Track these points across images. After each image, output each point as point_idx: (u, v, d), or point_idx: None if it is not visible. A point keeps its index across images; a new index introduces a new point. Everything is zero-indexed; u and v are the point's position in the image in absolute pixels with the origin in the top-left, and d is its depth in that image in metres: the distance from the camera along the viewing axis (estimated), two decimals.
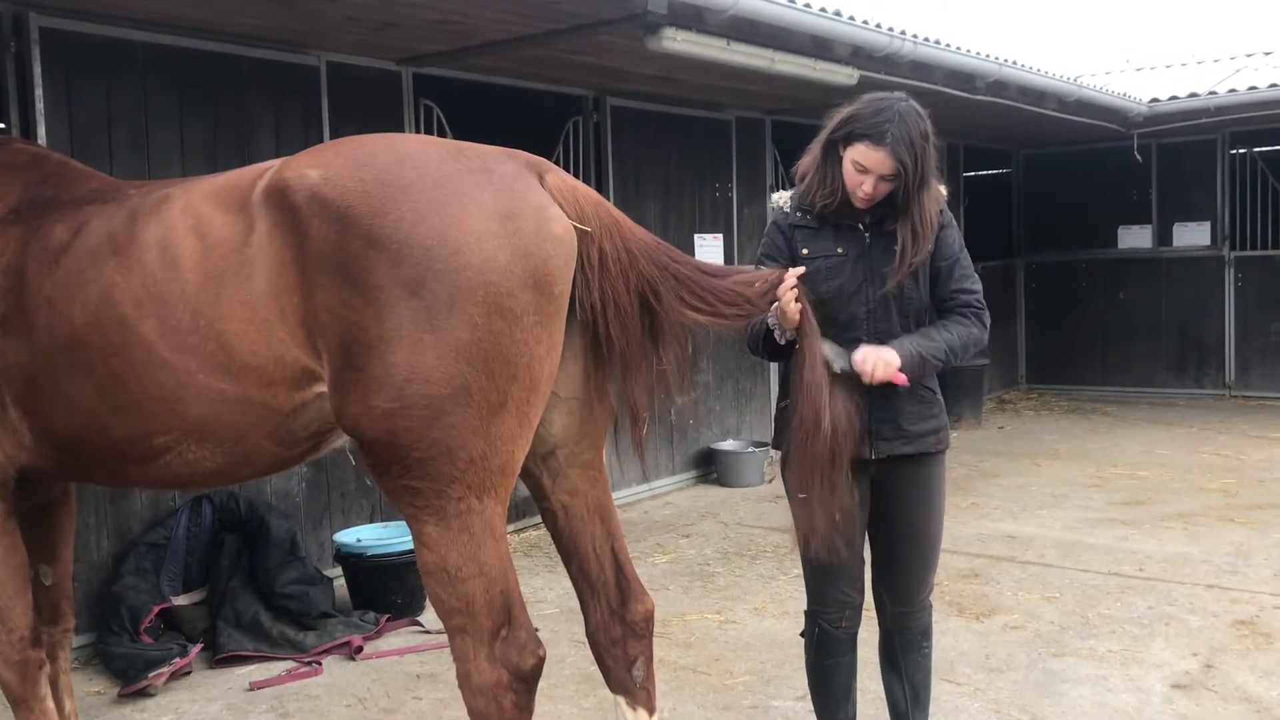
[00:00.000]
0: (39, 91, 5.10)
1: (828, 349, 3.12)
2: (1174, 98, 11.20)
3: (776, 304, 3.07)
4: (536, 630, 2.90)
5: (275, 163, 2.98)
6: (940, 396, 3.48)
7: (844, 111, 3.26)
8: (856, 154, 3.19)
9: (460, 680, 2.79)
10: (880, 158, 3.15)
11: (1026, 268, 13.76)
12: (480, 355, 2.65)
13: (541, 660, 2.82)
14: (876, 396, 3.27)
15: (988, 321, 3.39)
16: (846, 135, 3.21)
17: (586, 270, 2.84)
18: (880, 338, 3.28)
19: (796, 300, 3.05)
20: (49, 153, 3.62)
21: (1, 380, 3.17)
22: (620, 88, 8.02)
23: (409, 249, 2.64)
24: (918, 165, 3.16)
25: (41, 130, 5.08)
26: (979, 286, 3.40)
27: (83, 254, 3.06)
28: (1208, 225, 12.47)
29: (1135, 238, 12.99)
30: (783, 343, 3.20)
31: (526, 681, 2.77)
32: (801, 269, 3.13)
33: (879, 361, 3.14)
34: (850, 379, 3.14)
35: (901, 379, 3.16)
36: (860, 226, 3.34)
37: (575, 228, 2.82)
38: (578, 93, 7.99)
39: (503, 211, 2.72)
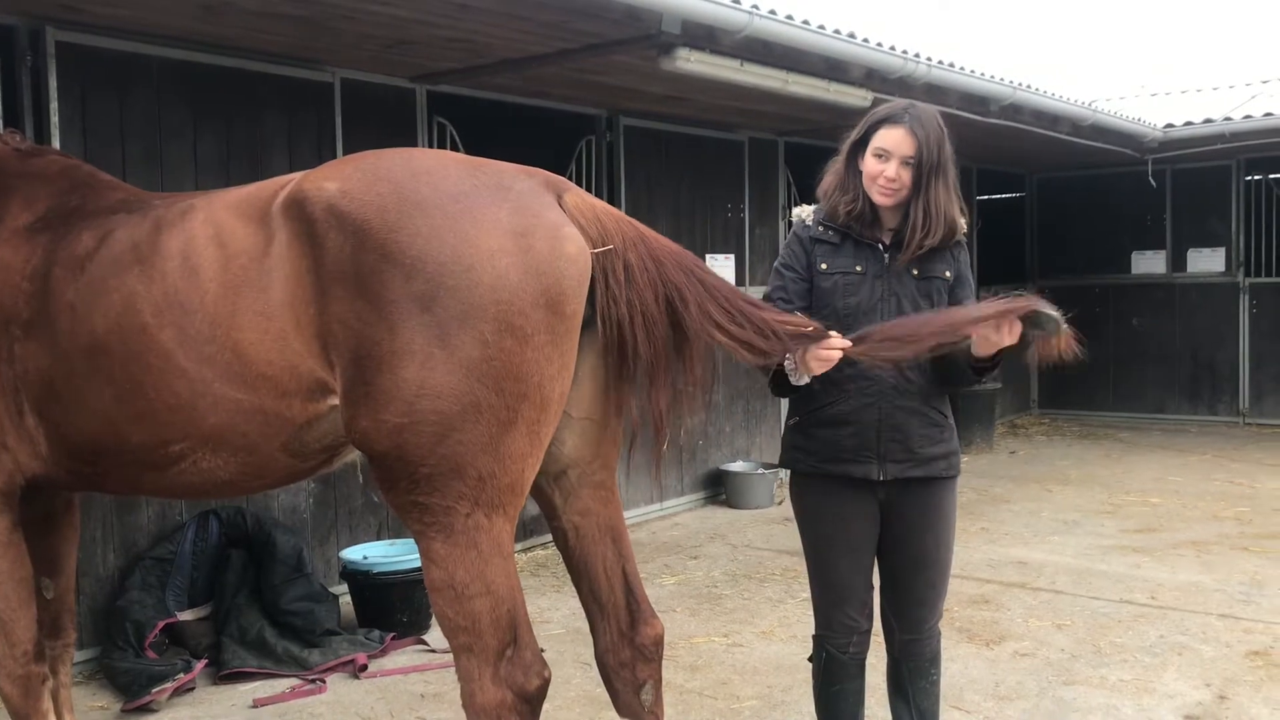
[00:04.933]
0: (54, 105, 5.12)
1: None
2: (1189, 123, 11.18)
3: (800, 350, 3.00)
4: (542, 651, 2.87)
5: (296, 175, 2.99)
6: (952, 422, 3.45)
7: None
8: (877, 140, 3.26)
9: (464, 700, 2.77)
10: (899, 135, 3.22)
11: (1039, 292, 13.67)
12: (490, 373, 2.64)
13: (546, 681, 2.79)
14: (886, 418, 3.26)
15: None
16: (867, 129, 3.30)
17: (612, 285, 2.82)
18: None
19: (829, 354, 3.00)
20: (79, 163, 3.65)
21: (22, 385, 3.18)
22: (633, 107, 8.03)
23: (422, 264, 2.64)
24: (932, 148, 3.22)
25: (56, 143, 5.08)
26: None
27: (107, 262, 3.08)
28: (1222, 251, 12.41)
29: (1149, 263, 12.94)
30: (796, 384, 3.16)
31: (531, 703, 2.75)
32: (847, 342, 3.02)
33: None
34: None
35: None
36: (880, 246, 3.34)
37: (597, 249, 2.81)
38: (591, 112, 8.00)
39: (517, 229, 2.71)
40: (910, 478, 3.33)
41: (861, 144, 3.32)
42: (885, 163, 3.24)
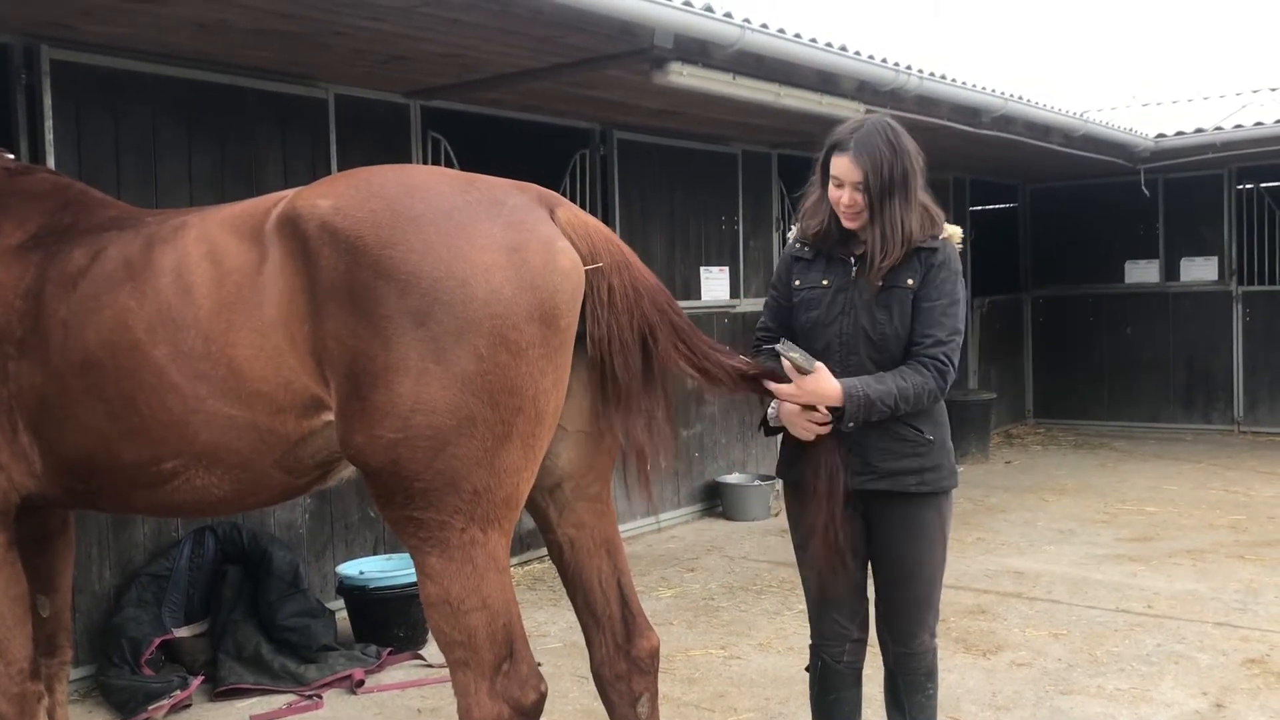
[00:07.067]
0: (49, 123, 5.13)
1: (797, 354, 3.14)
2: (1180, 133, 11.21)
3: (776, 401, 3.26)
4: (539, 665, 2.87)
5: (290, 192, 3.00)
6: (932, 438, 3.35)
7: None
8: (831, 167, 3.32)
9: (461, 715, 2.77)
10: (845, 163, 3.26)
11: (1033, 302, 13.75)
12: (485, 387, 2.65)
13: (543, 695, 2.79)
14: (848, 431, 3.27)
15: (949, 379, 3.29)
16: (826, 155, 3.35)
17: (595, 304, 2.86)
18: (848, 369, 3.27)
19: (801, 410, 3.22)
20: (70, 181, 3.65)
21: (16, 403, 3.18)
22: (627, 121, 8.06)
23: (416, 280, 2.65)
24: (880, 171, 3.22)
25: (51, 160, 5.10)
26: (953, 340, 3.29)
27: (99, 279, 3.08)
28: (1215, 260, 12.45)
29: (1142, 272, 12.98)
30: (776, 429, 3.38)
31: (528, 716, 2.75)
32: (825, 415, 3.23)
33: (818, 389, 3.15)
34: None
35: (821, 416, 3.20)
36: (851, 260, 3.36)
37: (588, 266, 2.83)
38: (584, 126, 8.02)
39: (510, 244, 2.72)
40: (876, 490, 3.33)
41: (826, 166, 3.37)
42: (841, 190, 3.29)
